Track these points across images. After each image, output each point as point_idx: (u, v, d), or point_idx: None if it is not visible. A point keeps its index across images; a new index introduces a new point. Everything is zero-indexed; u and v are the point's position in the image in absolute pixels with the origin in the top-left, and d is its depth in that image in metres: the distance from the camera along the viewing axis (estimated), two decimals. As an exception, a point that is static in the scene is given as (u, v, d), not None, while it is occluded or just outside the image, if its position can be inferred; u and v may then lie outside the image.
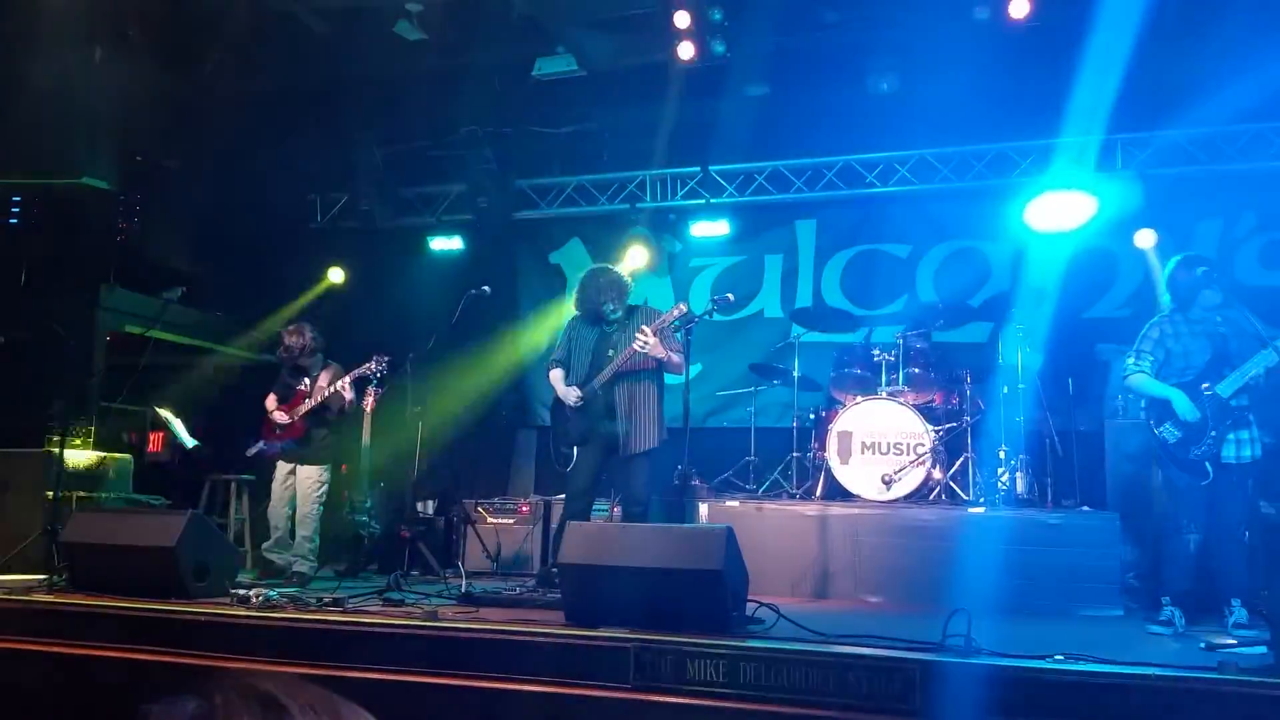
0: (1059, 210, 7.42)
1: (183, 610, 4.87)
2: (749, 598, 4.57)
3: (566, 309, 9.25)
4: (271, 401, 6.60)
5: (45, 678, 4.60)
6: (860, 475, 6.40)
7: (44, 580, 5.44)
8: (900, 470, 6.29)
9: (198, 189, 7.49)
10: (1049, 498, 6.37)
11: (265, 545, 6.49)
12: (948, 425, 6.57)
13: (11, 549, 6.10)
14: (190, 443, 7.96)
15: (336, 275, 9.09)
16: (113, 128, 7.10)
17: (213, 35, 6.77)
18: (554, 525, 7.15)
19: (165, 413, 7.99)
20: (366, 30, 6.98)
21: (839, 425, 6.54)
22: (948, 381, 6.89)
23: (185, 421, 8.08)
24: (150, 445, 8.08)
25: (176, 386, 8.48)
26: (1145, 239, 7.38)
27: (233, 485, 7.47)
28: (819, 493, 6.59)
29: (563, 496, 7.00)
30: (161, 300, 8.68)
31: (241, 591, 5.25)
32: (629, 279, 6.00)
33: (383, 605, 5.07)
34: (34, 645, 4.78)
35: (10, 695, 4.28)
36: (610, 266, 6.15)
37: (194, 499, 7.51)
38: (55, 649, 4.76)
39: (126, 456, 7.57)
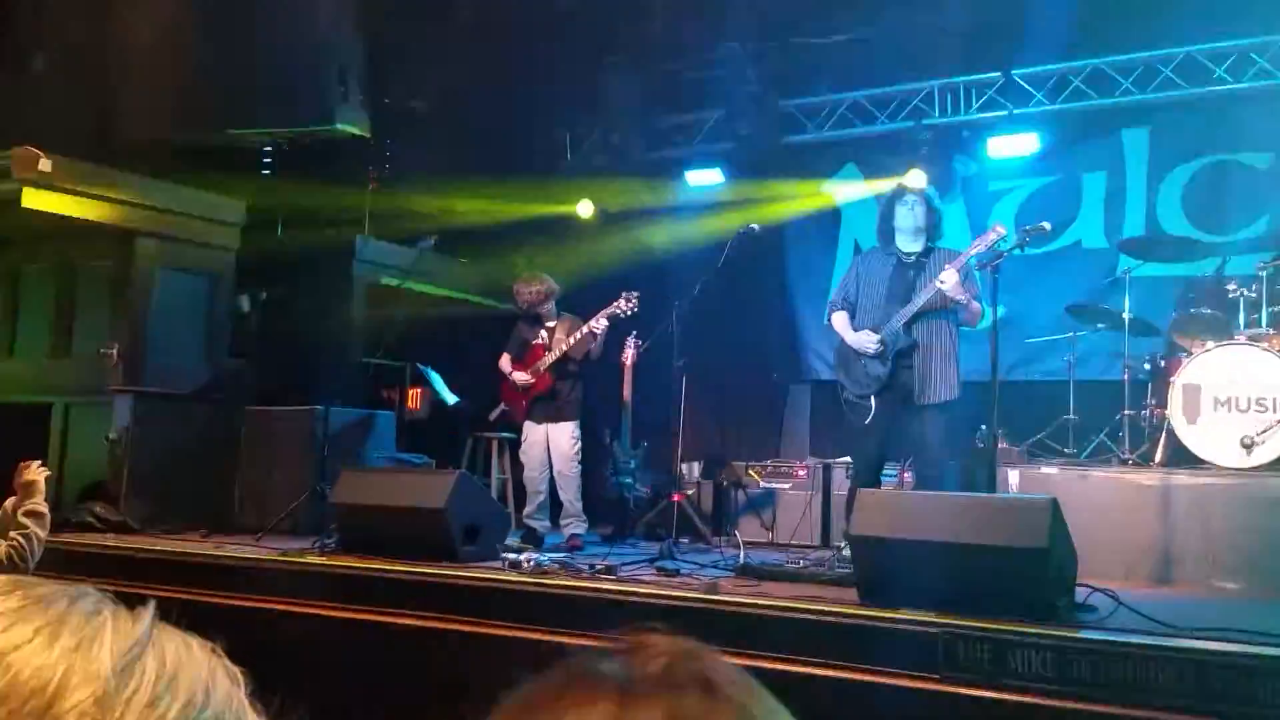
0: None
1: (455, 574, 5.36)
2: (1078, 582, 4.47)
3: (841, 245, 9.28)
4: (506, 362, 6.97)
5: (317, 640, 5.16)
6: (1212, 437, 6.02)
7: (315, 542, 5.96)
8: (1264, 432, 5.87)
9: (446, 131, 7.99)
10: None
11: (527, 511, 6.98)
12: (1328, 376, 6.04)
13: (281, 509, 6.84)
14: (452, 399, 8.53)
15: (585, 209, 9.24)
16: (362, 73, 7.68)
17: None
18: (835, 491, 7.25)
19: (425, 368, 8.68)
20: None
21: (1184, 377, 6.17)
22: (1327, 322, 6.31)
23: (445, 376, 8.64)
24: (409, 401, 8.75)
25: (435, 340, 9.04)
26: None
27: (494, 443, 8.01)
28: (1159, 458, 6.27)
29: (845, 460, 7.08)
30: (416, 250, 9.09)
31: (512, 556, 5.69)
32: (937, 205, 5.90)
33: (656, 574, 5.31)
34: (306, 608, 5.32)
35: (281, 657, 4.89)
36: (913, 188, 6.05)
37: (455, 457, 8.08)
38: (326, 612, 5.37)
39: (389, 413, 8.24)
